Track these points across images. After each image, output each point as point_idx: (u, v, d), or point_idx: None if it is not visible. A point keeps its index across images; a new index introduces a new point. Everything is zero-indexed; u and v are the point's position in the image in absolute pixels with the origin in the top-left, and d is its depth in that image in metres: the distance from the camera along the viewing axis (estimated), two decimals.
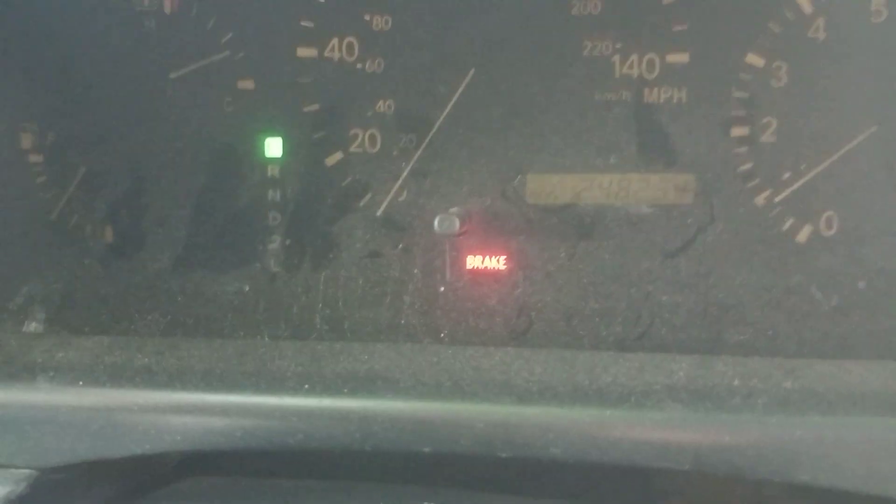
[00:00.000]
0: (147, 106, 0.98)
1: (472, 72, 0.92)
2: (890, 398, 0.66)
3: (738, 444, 0.63)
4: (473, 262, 0.91)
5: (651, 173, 0.91)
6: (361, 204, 0.94)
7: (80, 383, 0.78)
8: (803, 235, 0.88)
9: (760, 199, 0.89)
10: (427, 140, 0.93)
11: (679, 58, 0.90)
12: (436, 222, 0.85)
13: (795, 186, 0.88)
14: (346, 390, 0.72)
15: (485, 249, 0.90)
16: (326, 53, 0.95)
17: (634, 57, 0.91)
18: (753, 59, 0.89)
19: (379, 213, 0.93)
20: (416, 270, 0.90)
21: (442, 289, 0.90)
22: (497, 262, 0.90)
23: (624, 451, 0.64)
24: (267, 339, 0.91)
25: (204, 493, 0.79)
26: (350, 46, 0.95)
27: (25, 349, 0.86)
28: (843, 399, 0.67)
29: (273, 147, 0.96)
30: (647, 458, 0.63)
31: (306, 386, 0.73)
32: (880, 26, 0.87)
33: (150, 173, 0.98)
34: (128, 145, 0.99)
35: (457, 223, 0.83)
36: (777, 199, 0.89)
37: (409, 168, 0.93)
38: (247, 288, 0.94)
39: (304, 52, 0.95)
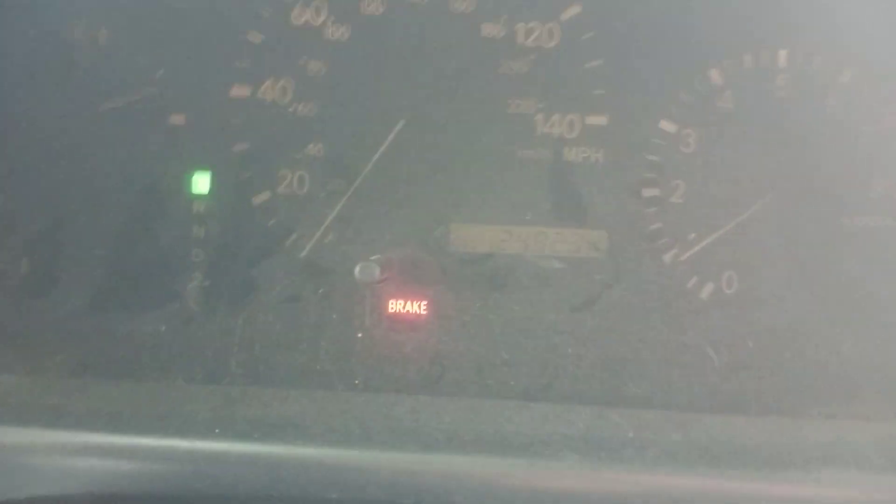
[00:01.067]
0: (73, 138, 0.97)
1: (401, 123, 0.95)
2: (770, 452, 0.71)
3: (628, 494, 0.67)
4: (392, 309, 0.93)
5: (567, 228, 0.95)
6: (287, 245, 0.96)
7: None
8: (706, 293, 0.94)
9: (668, 257, 0.94)
10: (354, 186, 0.95)
11: (598, 120, 0.95)
12: (357, 270, 0.87)
13: (700, 246, 0.94)
14: (256, 436, 0.73)
15: (403, 297, 0.93)
16: (260, 94, 0.97)
17: (556, 117, 0.96)
18: (666, 125, 0.95)
19: (303, 255, 0.95)
20: (334, 316, 0.92)
21: (359, 335, 0.92)
22: (414, 311, 0.92)
23: (523, 500, 0.67)
24: (181, 381, 0.91)
25: None
26: (284, 89, 0.97)
27: None
28: (727, 452, 0.72)
29: (200, 184, 0.97)
30: None
31: (216, 430, 0.74)
32: (782, 101, 0.94)
33: (70, 208, 0.97)
34: (49, 178, 0.97)
35: (377, 271, 0.86)
36: (683, 258, 0.94)
37: (335, 212, 0.95)
38: (163, 328, 0.94)
39: (237, 91, 0.97)
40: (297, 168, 0.97)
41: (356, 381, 0.90)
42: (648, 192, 0.95)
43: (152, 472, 0.72)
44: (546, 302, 0.92)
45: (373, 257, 0.89)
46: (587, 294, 0.92)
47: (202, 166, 0.97)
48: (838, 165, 0.93)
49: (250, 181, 0.97)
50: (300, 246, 0.95)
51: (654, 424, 0.75)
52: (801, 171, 0.93)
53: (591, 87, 0.95)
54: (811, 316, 0.89)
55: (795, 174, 0.93)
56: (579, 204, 0.95)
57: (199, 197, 0.97)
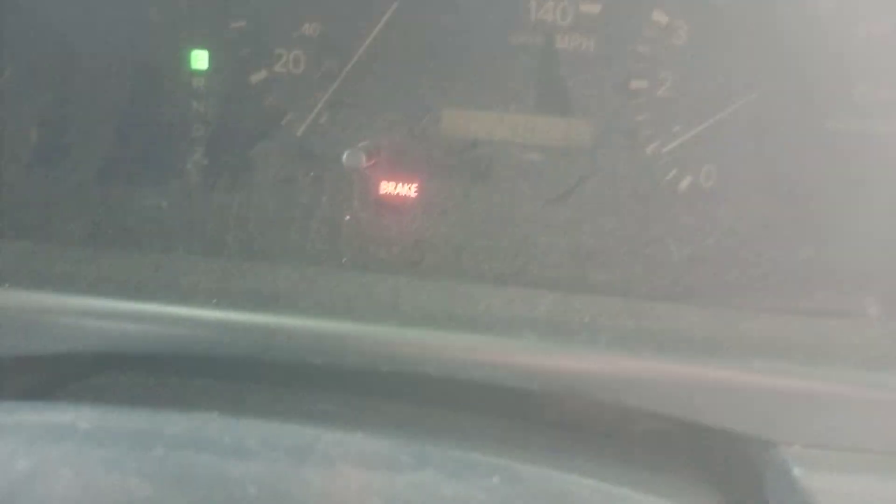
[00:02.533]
0: (76, 10, 0.99)
1: (394, 4, 0.96)
2: (712, 341, 0.78)
3: (579, 372, 0.74)
4: (378, 194, 0.98)
5: (555, 116, 0.98)
6: (282, 124, 0.99)
7: (5, 285, 0.84)
8: (684, 185, 0.97)
9: (650, 149, 0.97)
10: (347, 69, 0.97)
11: (591, 7, 0.96)
12: (344, 156, 0.91)
13: (681, 139, 0.97)
14: (249, 306, 0.80)
15: (390, 183, 0.97)
16: None
17: (550, 2, 0.96)
18: (659, 15, 0.95)
19: (297, 135, 0.98)
20: (324, 198, 0.97)
21: (347, 217, 0.97)
22: (399, 197, 0.97)
23: (486, 372, 0.74)
24: (182, 253, 0.97)
25: (117, 387, 0.87)
26: None
27: None
28: (673, 339, 0.78)
29: (199, 60, 0.99)
30: (504, 379, 0.74)
31: (214, 300, 0.81)
32: None
33: (75, 82, 1.00)
34: (53, 51, 1.00)
35: (363, 158, 0.90)
36: (664, 150, 0.97)
37: (328, 94, 0.98)
38: (165, 203, 0.99)
39: None
40: (293, 47, 0.98)
41: (343, 260, 0.96)
42: (636, 84, 0.97)
43: (155, 335, 0.80)
44: (524, 193, 0.96)
45: (360, 143, 0.93)
46: (563, 186, 0.96)
47: (200, 43, 0.99)
48: (825, 67, 0.94)
49: (247, 59, 0.99)
50: (295, 126, 0.99)
51: (610, 311, 0.82)
52: (787, 70, 0.94)
53: None
54: (776, 215, 0.93)
55: (782, 73, 0.94)
56: (568, 93, 0.97)
57: (199, 73, 1.00)
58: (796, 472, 0.68)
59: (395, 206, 0.97)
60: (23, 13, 0.99)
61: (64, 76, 1.01)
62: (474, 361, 0.74)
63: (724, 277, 0.91)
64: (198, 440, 0.55)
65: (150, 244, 0.98)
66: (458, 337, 0.76)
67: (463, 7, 0.96)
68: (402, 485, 0.52)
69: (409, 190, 0.97)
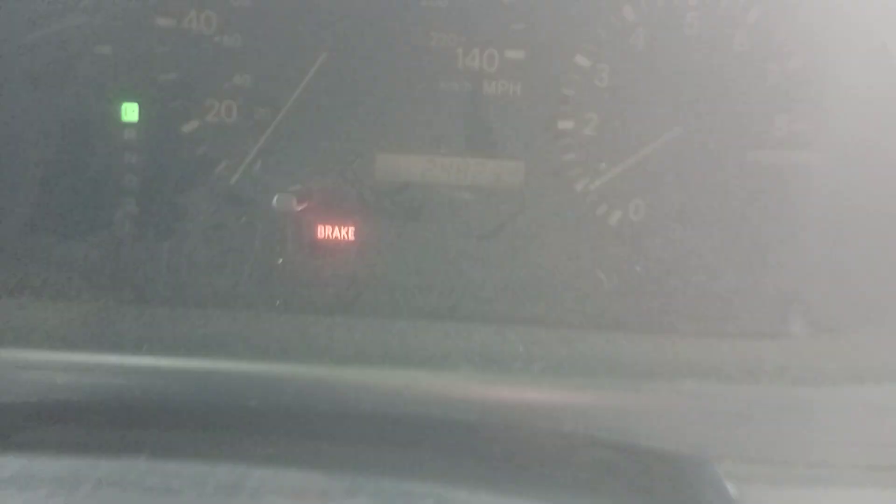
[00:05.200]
0: (1, 68, 0.99)
1: (324, 55, 0.98)
2: (642, 366, 0.79)
3: (514, 401, 0.74)
4: (311, 237, 0.98)
5: (486, 158, 1.00)
6: (215, 173, 0.99)
7: None
8: (614, 220, 1.00)
9: (579, 186, 1.00)
10: (279, 116, 0.98)
11: (515, 54, 0.99)
12: (274, 199, 0.92)
13: (609, 176, 0.99)
14: (180, 353, 0.79)
15: (324, 226, 0.98)
16: (185, 24, 0.99)
17: (476, 50, 0.99)
18: (581, 59, 0.99)
19: (231, 182, 0.98)
20: (256, 243, 0.97)
21: (280, 261, 0.97)
22: (333, 239, 0.98)
23: (424, 406, 0.74)
24: (112, 303, 0.95)
25: (46, 436, 0.84)
26: (208, 19, 0.99)
27: None
28: (604, 366, 0.79)
29: (129, 112, 0.99)
30: (443, 412, 0.73)
31: (144, 347, 0.79)
32: (691, 39, 0.98)
33: (4, 134, 0.99)
34: None
35: (293, 202, 0.90)
36: (593, 187, 1.00)
37: (261, 142, 0.98)
38: (94, 253, 0.97)
39: (162, 21, 0.98)
40: (225, 98, 0.99)
41: (277, 303, 0.95)
42: (563, 125, 1.00)
43: (85, 384, 0.77)
44: (457, 230, 0.98)
45: (292, 188, 0.93)
46: (494, 223, 0.98)
47: (130, 96, 0.99)
48: (744, 102, 0.98)
49: (178, 110, 0.99)
50: (228, 174, 0.99)
51: (544, 341, 0.83)
52: (707, 106, 0.98)
53: (510, 21, 0.98)
54: (701, 244, 0.96)
55: (702, 109, 0.98)
56: (498, 136, 0.99)
57: (129, 125, 1.00)
58: (730, 487, 0.68)
59: (329, 248, 0.97)
60: None
61: None
62: (410, 396, 0.74)
63: (651, 305, 0.93)
64: (123, 482, 0.54)
65: (80, 294, 0.96)
66: (392, 373, 0.76)
67: (391, 56, 0.98)
68: None
69: (343, 232, 0.97)
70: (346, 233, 0.97)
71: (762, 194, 0.97)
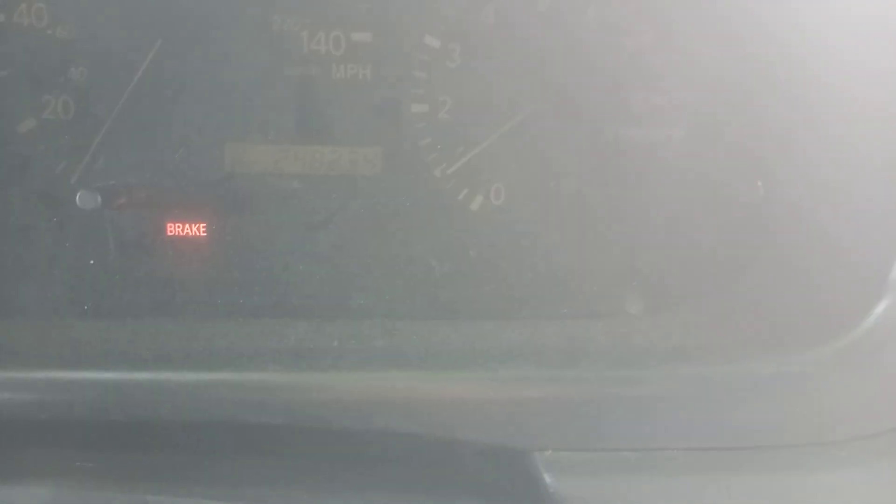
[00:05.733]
0: None
1: (159, 41, 0.94)
2: (461, 353, 0.76)
3: (324, 400, 0.71)
4: (124, 236, 0.93)
5: (342, 146, 0.96)
6: (55, 172, 0.94)
7: None
8: (475, 204, 0.97)
9: (438, 171, 0.97)
10: (117, 109, 0.94)
11: (363, 36, 0.96)
12: (77, 197, 0.87)
13: (466, 159, 0.97)
14: None
15: (139, 223, 0.93)
16: (16, 18, 0.94)
17: (321, 34, 0.96)
18: (430, 40, 0.96)
19: (72, 182, 0.94)
20: (67, 244, 0.92)
21: (91, 262, 0.92)
22: (151, 237, 0.93)
23: (226, 410, 0.71)
24: None
25: None
26: (39, 12, 0.94)
27: None
28: (422, 355, 0.77)
29: None
30: (249, 416, 0.70)
31: None
32: (543, 15, 0.96)
33: None
34: None
35: (98, 199, 0.86)
36: (451, 171, 0.97)
37: (99, 137, 0.94)
38: None
39: None
40: (61, 93, 0.95)
41: (85, 307, 0.90)
42: (417, 108, 0.97)
43: None
44: (283, 222, 0.93)
45: (107, 184, 0.89)
46: (324, 213, 0.94)
47: None
48: (597, 80, 0.96)
49: (13, 108, 0.95)
50: (65, 172, 0.94)
51: (364, 333, 0.79)
52: (562, 85, 0.96)
53: (355, 2, 0.95)
54: (546, 225, 0.94)
55: (557, 86, 0.96)
56: (352, 122, 0.96)
57: None
58: (547, 478, 0.66)
59: (143, 246, 0.92)
60: None
61: None
62: (213, 401, 0.71)
63: (484, 290, 0.90)
64: None
65: None
66: (191, 377, 0.72)
67: (233, 41, 0.94)
68: None
69: (161, 230, 0.92)
70: (165, 230, 0.92)
71: (611, 172, 0.95)
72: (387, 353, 0.76)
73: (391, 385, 0.72)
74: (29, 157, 0.95)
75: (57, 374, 0.72)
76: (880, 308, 0.71)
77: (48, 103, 0.95)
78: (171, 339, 0.78)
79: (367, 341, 0.78)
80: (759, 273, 0.83)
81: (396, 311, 0.87)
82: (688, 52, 0.94)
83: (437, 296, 0.89)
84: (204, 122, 0.95)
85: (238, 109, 0.95)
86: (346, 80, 0.96)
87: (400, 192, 0.96)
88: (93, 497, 0.64)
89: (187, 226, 0.93)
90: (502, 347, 0.77)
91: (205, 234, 0.93)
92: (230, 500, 0.65)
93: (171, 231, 0.92)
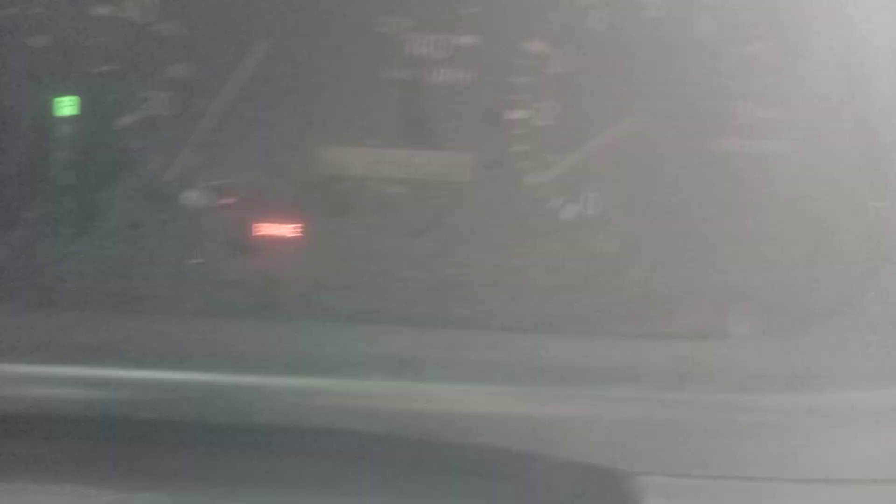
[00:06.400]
0: None
1: (264, 42, 0.94)
2: (569, 370, 0.74)
3: (428, 411, 0.70)
4: (228, 235, 0.92)
5: (434, 150, 0.95)
6: (151, 167, 0.95)
7: None
8: (567, 213, 0.95)
9: (529, 179, 0.95)
10: (218, 107, 0.94)
11: (466, 40, 0.94)
12: (185, 196, 0.87)
13: (560, 168, 0.94)
14: (76, 361, 0.74)
15: (244, 223, 0.92)
16: (122, 13, 0.95)
17: (426, 37, 0.94)
18: (534, 45, 0.94)
19: (167, 178, 0.94)
20: (171, 242, 0.92)
21: (194, 261, 0.92)
22: (254, 237, 0.92)
23: (329, 418, 0.69)
24: (20, 307, 0.89)
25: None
26: (146, 8, 0.95)
27: None
28: (530, 370, 0.74)
29: (64, 106, 0.96)
30: (350, 424, 0.69)
31: (44, 355, 0.75)
32: (650, 23, 0.93)
33: None
34: None
35: (207, 198, 0.86)
36: (544, 179, 0.95)
37: (198, 134, 0.94)
38: (2, 254, 0.93)
39: (99, 10, 0.95)
40: (162, 89, 0.95)
41: (188, 306, 0.89)
42: (516, 114, 0.95)
43: None
44: (384, 227, 0.92)
45: (208, 183, 0.89)
46: (425, 219, 0.92)
47: (65, 89, 0.96)
48: (703, 89, 0.93)
49: (114, 104, 0.96)
50: (164, 169, 0.95)
51: (467, 344, 0.77)
52: (666, 94, 0.93)
53: (461, 6, 0.94)
54: (649, 239, 0.91)
55: (661, 97, 0.93)
56: (445, 127, 0.95)
57: (63, 120, 0.96)
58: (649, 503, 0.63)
59: (245, 247, 0.92)
60: None
61: None
62: (316, 407, 0.69)
63: (586, 305, 0.87)
64: None
65: None
66: (298, 382, 0.71)
67: (334, 42, 0.94)
68: None
69: (265, 230, 0.92)
70: (269, 230, 0.92)
71: (717, 185, 0.91)
72: (488, 365, 0.74)
73: (491, 399, 0.70)
74: (129, 152, 0.96)
75: (159, 373, 0.72)
76: None
77: (151, 99, 0.96)
78: (272, 342, 0.77)
79: (468, 352, 0.76)
80: (878, 296, 0.79)
81: (496, 323, 0.85)
82: (803, 63, 0.90)
83: (538, 308, 0.87)
84: (303, 123, 0.94)
85: (337, 111, 0.94)
86: (447, 85, 0.95)
87: (491, 199, 0.94)
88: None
89: (288, 227, 0.92)
90: (606, 365, 0.75)
91: (305, 237, 0.92)
92: None
93: (271, 232, 0.92)
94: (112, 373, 0.72)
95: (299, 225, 0.92)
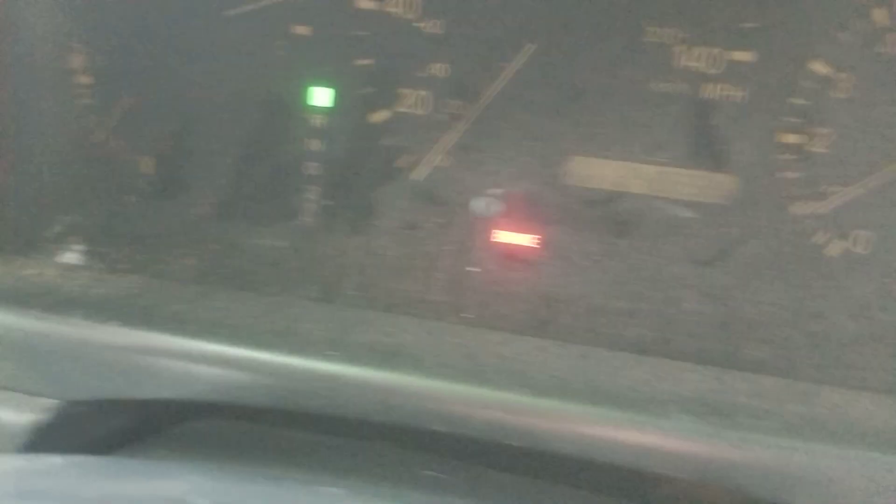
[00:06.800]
0: (199, 42, 0.97)
1: (530, 47, 0.91)
2: (892, 435, 0.68)
3: (740, 462, 0.65)
4: (506, 245, 0.90)
5: (695, 169, 0.90)
6: (402, 166, 0.94)
7: (114, 323, 0.79)
8: (836, 251, 0.88)
9: (800, 210, 0.89)
10: (476, 110, 0.92)
11: (743, 56, 0.89)
12: (475, 203, 0.85)
13: (839, 201, 0.88)
14: (370, 362, 0.73)
15: (519, 234, 0.90)
16: (387, 8, 0.94)
17: (698, 49, 0.89)
18: (818, 66, 0.88)
19: (420, 178, 0.93)
20: (448, 247, 0.90)
21: (472, 269, 0.90)
22: (529, 249, 0.90)
23: (631, 455, 0.65)
24: (297, 298, 0.91)
25: (213, 436, 0.81)
26: (412, 3, 0.93)
27: (62, 281, 0.87)
28: (848, 431, 0.68)
29: (320, 97, 0.96)
30: (652, 464, 0.65)
31: (333, 352, 0.75)
32: None
33: (196, 113, 0.98)
34: (176, 80, 0.98)
35: (496, 206, 0.83)
36: (818, 212, 0.89)
37: (454, 136, 0.92)
38: (282, 244, 0.94)
39: (364, 3, 0.94)
40: (419, 87, 0.94)
41: (466, 315, 0.88)
42: (790, 139, 0.89)
43: (268, 386, 0.74)
44: (670, 253, 0.88)
45: (491, 191, 0.86)
46: (714, 248, 0.87)
47: (323, 79, 0.95)
48: None
49: (370, 98, 0.95)
50: (417, 168, 0.93)
51: (772, 393, 0.72)
52: None
53: (740, 19, 0.88)
54: None
55: None
56: (712, 145, 0.89)
57: (319, 111, 0.96)
58: None
59: (522, 258, 0.89)
60: (143, 40, 0.97)
61: (183, 107, 0.98)
62: (618, 442, 0.66)
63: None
64: None
65: (265, 286, 0.93)
66: (600, 413, 0.68)
67: (602, 50, 0.90)
68: None
69: (539, 243, 0.89)
70: (543, 243, 0.89)
71: None
72: (807, 421, 0.69)
73: (818, 461, 0.65)
74: (378, 148, 0.94)
75: (438, 383, 0.70)
76: None
77: (406, 97, 0.94)
78: (555, 364, 0.74)
79: (781, 403, 0.71)
80: None
81: (798, 372, 0.79)
82: None
83: (846, 359, 0.81)
84: (559, 131, 0.91)
85: (594, 121, 0.91)
86: (715, 101, 0.89)
87: (750, 225, 0.88)
88: None
89: (565, 243, 0.89)
90: None
91: (584, 255, 0.89)
92: None
93: (552, 246, 0.89)
94: (402, 379, 0.70)
95: (577, 241, 0.89)
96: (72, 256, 0.99)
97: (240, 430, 0.84)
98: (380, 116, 0.95)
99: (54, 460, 0.60)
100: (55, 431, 0.77)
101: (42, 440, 0.76)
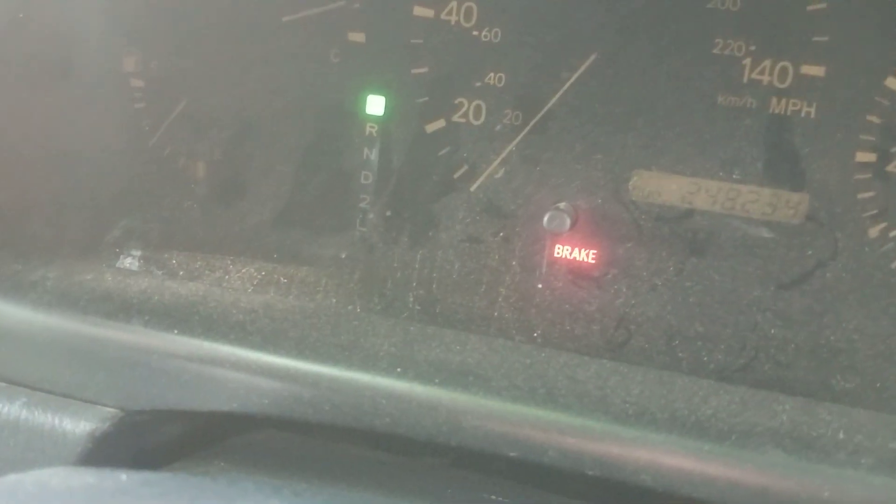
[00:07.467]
0: (255, 48, 0.96)
1: (593, 57, 0.88)
2: None
3: (838, 502, 0.62)
4: (576, 263, 0.88)
5: (764, 187, 0.87)
6: (460, 177, 0.92)
7: (175, 332, 0.79)
8: None
9: (875, 231, 0.85)
10: (534, 121, 0.90)
11: (814, 70, 0.85)
12: (546, 218, 0.83)
13: None
14: (437, 380, 0.71)
15: (589, 251, 0.88)
16: (443, 16, 0.92)
17: (767, 62, 0.86)
18: (893, 82, 0.84)
19: (480, 190, 0.91)
20: (514, 262, 0.88)
21: (539, 286, 0.87)
22: (598, 266, 0.87)
23: (719, 490, 0.63)
24: (359, 310, 0.90)
25: (272, 447, 0.81)
26: (469, 11, 0.91)
27: (122, 287, 0.87)
28: None
29: (375, 105, 0.94)
30: (742, 500, 0.62)
31: (398, 369, 0.73)
32: None
33: (253, 119, 0.97)
34: (231, 86, 0.97)
35: (567, 222, 0.81)
36: (893, 234, 0.85)
37: (510, 147, 0.90)
38: (344, 255, 0.93)
39: (420, 11, 0.92)
40: (475, 97, 0.92)
41: (535, 334, 0.86)
42: (863, 157, 0.85)
43: (333, 402, 0.72)
44: (750, 274, 0.84)
45: (561, 205, 0.84)
46: (798, 270, 0.84)
47: (378, 88, 0.94)
48: None
49: (425, 107, 0.93)
50: (473, 178, 0.92)
51: (866, 428, 0.68)
52: None
53: (811, 32, 0.85)
54: None
55: None
56: (782, 161, 0.86)
57: (373, 119, 0.95)
58: None
59: (594, 277, 0.87)
60: (199, 44, 0.97)
61: (240, 113, 0.98)
62: (706, 477, 0.63)
63: None
64: None
65: (326, 297, 0.92)
66: (684, 443, 0.65)
67: (667, 62, 0.87)
68: None
69: (611, 261, 0.86)
70: (612, 260, 0.87)
71: None
72: None
73: None
74: (436, 158, 0.93)
75: (514, 407, 0.68)
76: None
77: (460, 106, 0.92)
78: (631, 390, 0.71)
79: (878, 439, 0.66)
80: None
81: (892, 405, 0.75)
82: None
83: None
84: (620, 144, 0.88)
85: (658, 134, 0.88)
86: (783, 117, 0.86)
87: (825, 247, 0.85)
88: None
89: (643, 262, 0.86)
90: None
91: (663, 275, 0.86)
92: None
93: (624, 265, 0.86)
94: (472, 400, 0.68)
95: (648, 259, 0.87)
96: (130, 262, 0.99)
97: (298, 444, 0.83)
98: (434, 125, 0.93)
99: (121, 476, 0.60)
100: (113, 441, 0.77)
101: (99, 449, 0.76)
